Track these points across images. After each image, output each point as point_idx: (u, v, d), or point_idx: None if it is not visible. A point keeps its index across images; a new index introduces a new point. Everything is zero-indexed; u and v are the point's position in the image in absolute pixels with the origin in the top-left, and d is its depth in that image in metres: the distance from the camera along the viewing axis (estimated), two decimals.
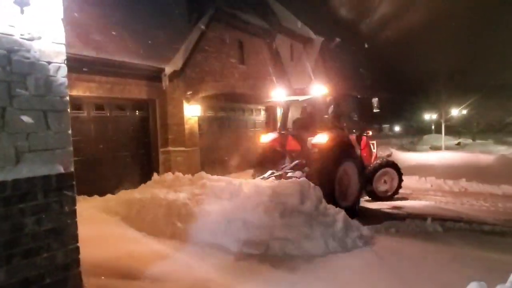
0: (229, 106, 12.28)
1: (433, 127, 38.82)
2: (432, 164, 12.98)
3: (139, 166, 9.56)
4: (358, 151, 7.68)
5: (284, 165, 7.47)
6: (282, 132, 8.06)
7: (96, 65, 8.11)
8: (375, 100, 7.86)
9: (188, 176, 7.28)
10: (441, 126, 29.26)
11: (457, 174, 11.01)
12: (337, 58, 22.36)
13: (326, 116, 7.55)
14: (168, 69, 9.69)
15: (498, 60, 29.90)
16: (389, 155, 13.65)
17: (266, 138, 7.94)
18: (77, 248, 2.93)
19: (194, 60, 10.40)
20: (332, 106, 7.57)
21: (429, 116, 37.71)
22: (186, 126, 10.01)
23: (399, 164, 8.76)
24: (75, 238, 2.91)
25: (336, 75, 21.32)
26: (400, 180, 8.57)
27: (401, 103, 39.99)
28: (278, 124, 8.29)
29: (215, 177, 6.80)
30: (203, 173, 7.16)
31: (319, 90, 7.33)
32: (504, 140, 30.82)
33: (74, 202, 2.90)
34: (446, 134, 30.84)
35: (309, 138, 7.17)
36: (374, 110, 7.94)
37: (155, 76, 9.68)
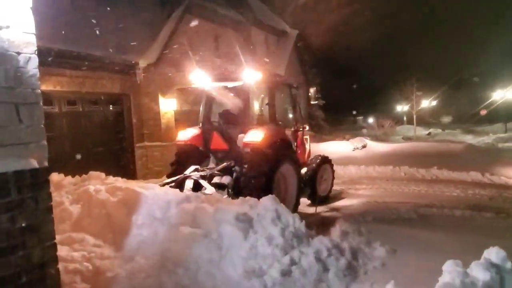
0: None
1: (405, 118, 39.94)
2: (405, 154, 13.37)
3: (114, 162, 9.34)
4: (294, 150, 6.58)
5: (208, 167, 6.07)
6: (205, 127, 6.65)
7: (66, 59, 7.85)
8: (312, 90, 7.14)
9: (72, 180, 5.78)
10: (413, 117, 30.20)
11: (429, 163, 11.38)
12: (311, 51, 22.56)
13: (261, 108, 6.66)
14: (142, 63, 9.50)
15: (465, 54, 31.02)
16: (364, 146, 13.98)
17: (185, 134, 6.49)
18: (54, 245, 2.85)
19: (169, 53, 10.23)
20: (267, 96, 6.35)
21: (401, 108, 38.78)
22: (163, 121, 9.86)
23: (373, 154, 8.55)
24: (51, 235, 2.82)
25: (310, 67, 21.53)
26: (333, 177, 7.56)
27: (374, 95, 40.94)
28: (200, 117, 6.72)
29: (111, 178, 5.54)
30: (93, 174, 5.74)
31: (252, 76, 5.97)
32: (471, 130, 32.12)
33: (49, 198, 2.81)
34: (417, 124, 31.85)
35: (239, 135, 5.99)
36: (312, 102, 7.44)
37: (128, 69, 9.48)
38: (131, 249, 4.61)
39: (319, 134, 20.49)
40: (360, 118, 51.20)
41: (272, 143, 5.69)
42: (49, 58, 7.56)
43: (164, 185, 5.68)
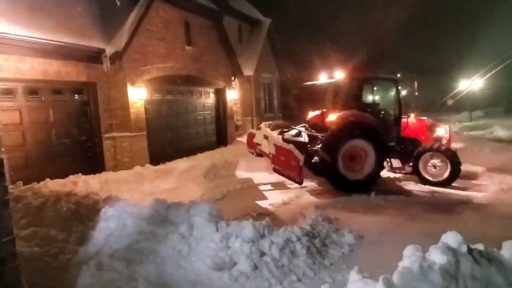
0: (177, 89, 11.92)
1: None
2: None
3: (80, 154, 9.02)
4: (383, 130, 7.90)
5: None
6: (323, 110, 8.63)
7: (27, 45, 7.43)
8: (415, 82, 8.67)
9: None
10: (382, 106, 30.79)
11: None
12: (285, 40, 22.51)
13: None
14: (109, 50, 9.15)
15: (433, 45, 31.91)
16: None
17: (313, 114, 8.79)
18: (13, 241, 2.72)
19: (138, 41, 9.90)
20: (352, 89, 8.22)
21: (372, 98, 39.54)
22: (132, 111, 9.58)
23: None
24: (9, 230, 2.69)
25: (283, 56, 21.49)
26: (454, 168, 7.54)
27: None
28: (326, 103, 8.97)
29: None
30: None
31: (339, 75, 8.19)
32: (439, 119, 33.21)
33: (6, 192, 2.66)
34: None
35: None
36: (416, 93, 8.45)
37: (95, 57, 9.11)
38: (97, 243, 4.49)
39: (293, 123, 20.58)
40: None
41: (342, 123, 7.49)
42: (8, 45, 7.16)
43: (282, 132, 8.51)
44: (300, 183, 6.82)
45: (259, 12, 19.10)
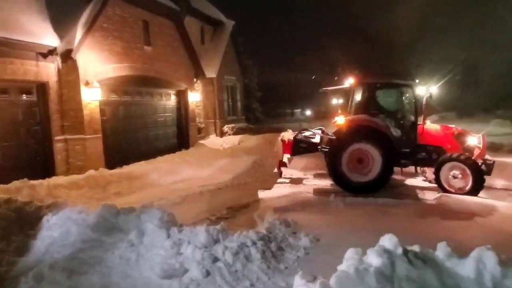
0: (136, 90, 11.52)
1: (339, 111, 41.77)
2: None
3: (27, 158, 8.45)
4: (396, 136, 7.88)
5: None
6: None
7: None
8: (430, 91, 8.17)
9: None
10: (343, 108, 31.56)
11: None
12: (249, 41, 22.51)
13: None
14: (61, 48, 8.67)
15: (393, 52, 33.21)
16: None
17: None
18: None
19: (92, 39, 9.46)
20: (365, 93, 8.11)
21: (337, 101, 40.51)
22: (85, 112, 9.12)
23: None
24: None
25: (246, 59, 21.50)
26: (476, 178, 7.30)
27: (312, 87, 42.22)
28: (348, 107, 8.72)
29: None
30: None
31: (348, 81, 8.18)
32: None
33: None
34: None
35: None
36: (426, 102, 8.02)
37: (45, 55, 8.58)
38: (38, 252, 4.15)
39: (259, 126, 20.58)
40: (298, 110, 52.60)
41: (348, 126, 7.64)
42: None
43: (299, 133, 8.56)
44: (279, 175, 7.91)
45: (222, 13, 18.97)
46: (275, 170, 8.67)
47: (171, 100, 13.65)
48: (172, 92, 13.62)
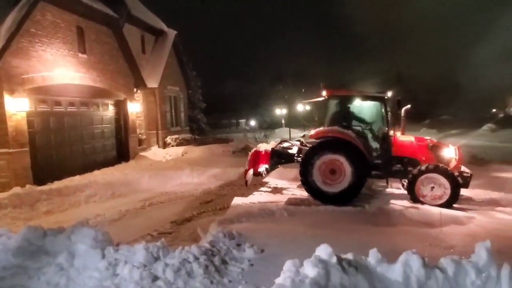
0: (69, 100, 10.76)
1: (283, 121, 42.76)
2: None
3: None
4: (368, 147, 8.04)
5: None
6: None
7: None
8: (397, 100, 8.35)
9: None
10: (291, 120, 32.49)
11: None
12: (191, 52, 22.30)
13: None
14: None
15: (334, 64, 34.86)
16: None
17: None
18: None
19: (18, 45, 8.71)
20: (338, 105, 8.41)
21: (280, 111, 41.44)
22: (10, 123, 8.32)
23: None
24: None
25: (190, 69, 21.24)
26: (454, 191, 7.36)
27: (256, 98, 42.87)
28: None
29: None
30: None
31: (322, 94, 8.29)
32: None
33: None
34: (293, 127, 34.41)
35: None
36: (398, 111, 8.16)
37: None
38: None
39: (204, 137, 20.31)
40: (243, 121, 52.96)
41: (318, 138, 7.90)
42: None
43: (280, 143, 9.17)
44: (245, 183, 8.19)
45: (164, 23, 18.58)
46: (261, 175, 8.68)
47: (109, 111, 12.97)
48: (110, 102, 12.96)
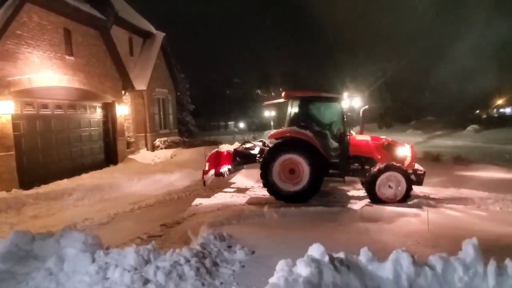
0: (56, 103, 10.62)
1: (272, 123, 42.90)
2: None
3: None
4: (326, 147, 8.25)
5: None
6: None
7: None
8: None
9: None
10: (280, 122, 32.51)
11: None
12: (179, 54, 22.25)
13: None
14: None
15: (322, 66, 35.17)
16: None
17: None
18: None
19: (3, 47, 8.58)
20: (296, 106, 8.54)
21: (269, 113, 41.56)
22: None
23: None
24: None
25: (178, 71, 21.17)
26: (408, 187, 7.67)
27: (245, 101, 42.90)
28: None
29: None
30: None
31: (282, 96, 8.60)
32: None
33: None
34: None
35: None
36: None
37: None
38: None
39: (193, 139, 20.22)
40: (231, 123, 52.92)
41: (277, 138, 8.17)
42: None
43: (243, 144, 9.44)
44: (203, 184, 8.26)
45: (152, 25, 18.50)
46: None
47: (97, 113, 12.84)
48: (98, 104, 12.83)
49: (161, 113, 18.54)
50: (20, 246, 3.98)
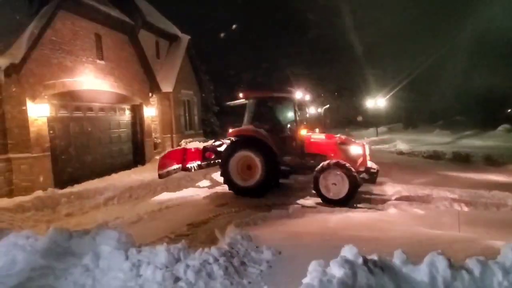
0: (88, 106, 11.03)
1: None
2: None
3: None
4: (280, 145, 8.66)
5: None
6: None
7: None
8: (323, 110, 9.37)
9: None
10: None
11: None
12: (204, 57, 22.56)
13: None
14: (3, 62, 8.13)
15: (345, 66, 34.75)
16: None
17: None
18: None
19: (39, 53, 8.99)
20: (253, 106, 9.06)
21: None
22: (32, 129, 8.58)
23: None
24: None
25: (203, 73, 21.46)
26: (352, 186, 7.66)
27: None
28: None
29: None
30: None
31: (243, 96, 9.20)
32: (349, 134, 35.89)
33: None
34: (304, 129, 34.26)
35: None
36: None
37: None
38: None
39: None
40: (256, 123, 52.86)
41: (233, 136, 8.81)
42: None
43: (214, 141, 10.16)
44: (159, 176, 8.85)
45: (178, 28, 18.86)
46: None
47: (126, 115, 13.24)
48: (126, 107, 13.23)
49: (187, 114, 18.87)
50: (59, 243, 4.19)
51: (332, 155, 8.24)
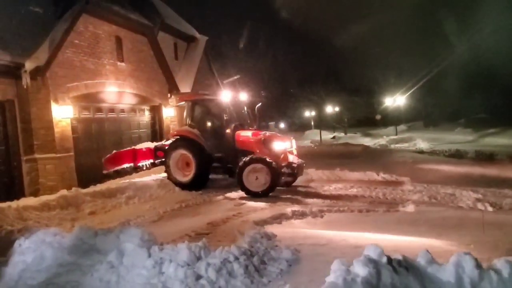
0: (109, 107, 11.31)
1: (312, 123, 42.52)
2: (313, 156, 14.15)
3: None
4: (211, 143, 9.41)
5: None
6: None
7: None
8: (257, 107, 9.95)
9: None
10: (320, 121, 32.20)
11: (332, 164, 12.18)
12: (222, 58, 22.69)
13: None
14: (29, 65, 8.43)
15: (363, 65, 34.37)
16: None
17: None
18: None
19: (63, 56, 9.27)
20: (188, 108, 9.84)
21: (309, 113, 41.23)
22: (56, 130, 8.86)
23: None
24: None
25: (220, 75, 21.60)
26: (272, 179, 8.36)
27: (285, 101, 42.89)
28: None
29: None
30: None
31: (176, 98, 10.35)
32: (368, 133, 35.55)
33: None
34: (323, 129, 34.11)
35: None
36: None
37: (12, 72, 8.33)
38: (10, 280, 3.96)
39: None
40: (272, 123, 52.97)
41: (172, 136, 9.82)
42: None
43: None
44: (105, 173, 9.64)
45: (195, 29, 19.05)
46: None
47: (146, 116, 13.48)
48: (146, 107, 13.47)
49: None
50: (84, 240, 4.33)
51: (258, 151, 8.77)
